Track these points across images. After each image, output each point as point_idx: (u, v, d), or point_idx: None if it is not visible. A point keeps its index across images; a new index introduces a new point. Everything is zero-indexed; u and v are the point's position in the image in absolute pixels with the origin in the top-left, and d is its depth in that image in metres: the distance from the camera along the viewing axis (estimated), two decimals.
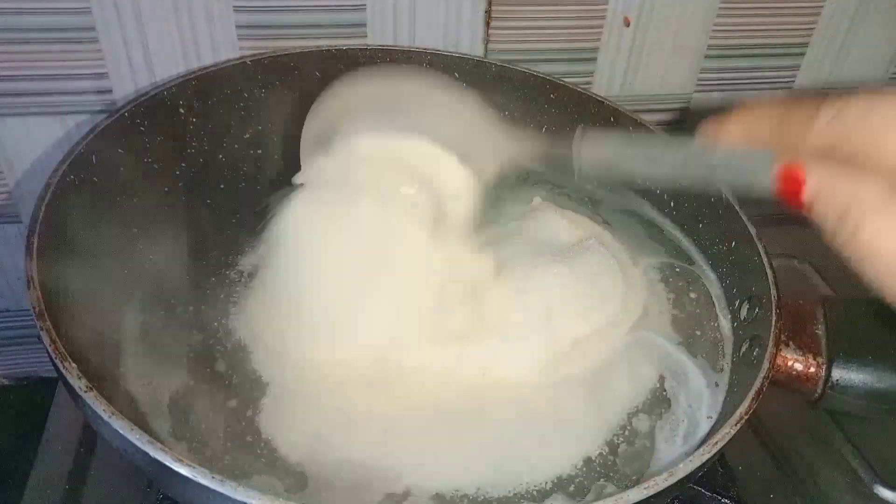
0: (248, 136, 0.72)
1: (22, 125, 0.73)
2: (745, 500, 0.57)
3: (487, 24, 0.77)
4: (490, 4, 0.76)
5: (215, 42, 0.73)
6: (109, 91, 0.73)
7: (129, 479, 0.58)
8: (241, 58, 0.71)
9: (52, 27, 0.68)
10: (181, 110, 0.67)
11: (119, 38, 0.70)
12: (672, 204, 0.69)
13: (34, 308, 0.46)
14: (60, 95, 0.72)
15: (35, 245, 0.49)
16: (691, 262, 0.68)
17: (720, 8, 0.81)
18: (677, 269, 0.68)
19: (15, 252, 0.81)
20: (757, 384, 0.49)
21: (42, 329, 0.45)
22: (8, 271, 0.84)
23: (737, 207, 0.61)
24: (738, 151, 0.41)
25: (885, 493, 0.58)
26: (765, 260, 0.57)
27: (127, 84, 0.73)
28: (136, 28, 0.70)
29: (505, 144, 0.57)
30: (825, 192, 0.37)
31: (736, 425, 0.46)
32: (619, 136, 0.49)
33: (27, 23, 0.67)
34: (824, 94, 0.39)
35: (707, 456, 0.45)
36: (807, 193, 0.38)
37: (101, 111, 0.74)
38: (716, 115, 0.43)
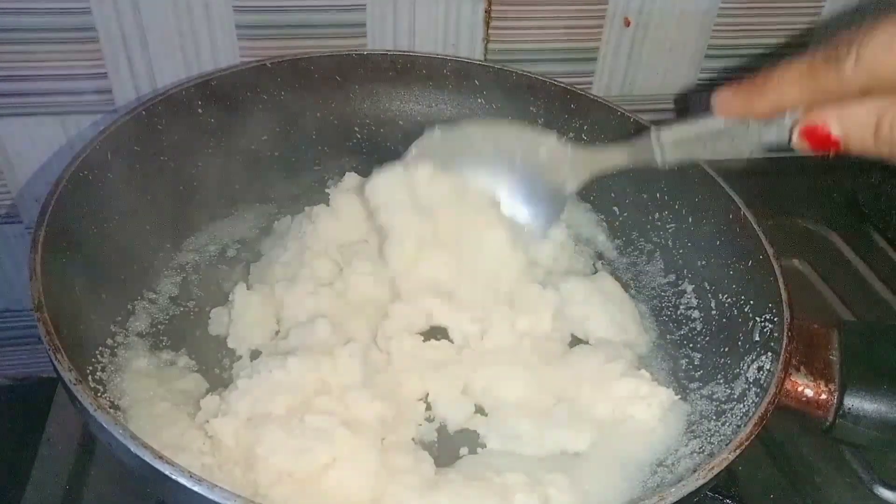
0: (265, 137, 0.71)
1: (22, 125, 0.73)
2: (746, 500, 0.57)
3: (487, 24, 0.77)
4: (490, 4, 0.76)
5: (215, 41, 0.73)
6: (109, 91, 0.73)
7: (129, 480, 0.58)
8: (261, 60, 0.71)
9: (52, 27, 0.68)
10: (199, 111, 0.66)
11: (119, 38, 0.70)
12: (691, 220, 0.66)
13: (34, 299, 0.46)
14: (60, 95, 0.72)
15: (41, 237, 0.50)
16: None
17: (720, 8, 0.81)
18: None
19: (15, 252, 0.81)
20: (760, 410, 0.46)
21: (39, 320, 0.45)
22: (8, 271, 0.84)
23: (754, 224, 0.59)
24: (759, 125, 0.46)
25: (885, 493, 0.58)
26: (780, 282, 0.54)
27: (127, 84, 0.73)
28: (135, 28, 0.70)
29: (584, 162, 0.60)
30: (852, 128, 0.40)
31: (735, 451, 0.44)
32: (685, 126, 0.52)
33: (27, 23, 0.68)
34: (833, 38, 0.39)
35: (700, 482, 0.43)
36: (837, 139, 0.41)
37: (101, 111, 0.74)
38: (732, 84, 0.45)
